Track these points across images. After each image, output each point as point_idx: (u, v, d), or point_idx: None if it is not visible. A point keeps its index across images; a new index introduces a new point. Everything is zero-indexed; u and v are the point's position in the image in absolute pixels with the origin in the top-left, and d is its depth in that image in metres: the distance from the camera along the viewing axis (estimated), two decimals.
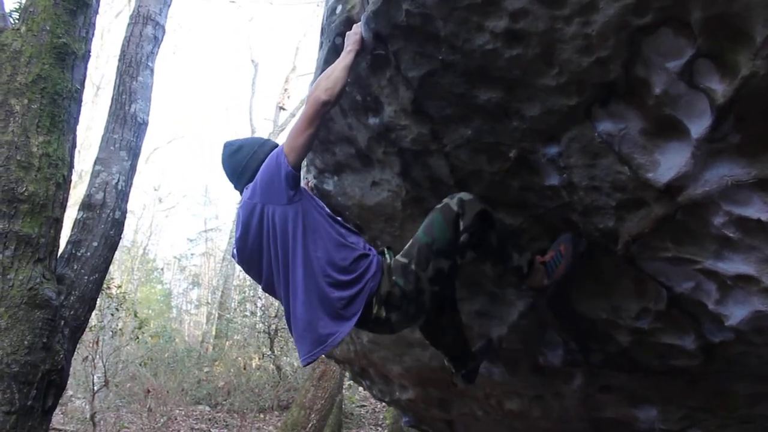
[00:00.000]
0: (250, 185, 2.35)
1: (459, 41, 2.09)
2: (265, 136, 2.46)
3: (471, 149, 2.39)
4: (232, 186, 2.53)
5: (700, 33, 1.63)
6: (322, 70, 2.64)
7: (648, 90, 1.84)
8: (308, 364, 2.29)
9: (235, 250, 2.45)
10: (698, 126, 1.79)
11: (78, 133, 4.06)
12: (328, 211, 2.40)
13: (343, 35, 2.49)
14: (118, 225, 4.43)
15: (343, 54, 2.33)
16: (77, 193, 13.91)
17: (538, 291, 2.48)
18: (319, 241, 2.24)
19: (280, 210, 2.23)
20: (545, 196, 2.37)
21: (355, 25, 2.40)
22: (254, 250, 2.34)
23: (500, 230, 2.34)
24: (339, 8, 2.59)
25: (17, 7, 4.89)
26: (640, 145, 1.98)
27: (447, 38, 2.11)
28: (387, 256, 2.45)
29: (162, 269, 26.12)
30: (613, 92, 1.93)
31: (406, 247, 2.32)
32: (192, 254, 24.62)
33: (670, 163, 1.94)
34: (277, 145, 2.40)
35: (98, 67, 19.11)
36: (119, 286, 10.72)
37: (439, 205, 2.30)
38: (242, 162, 2.45)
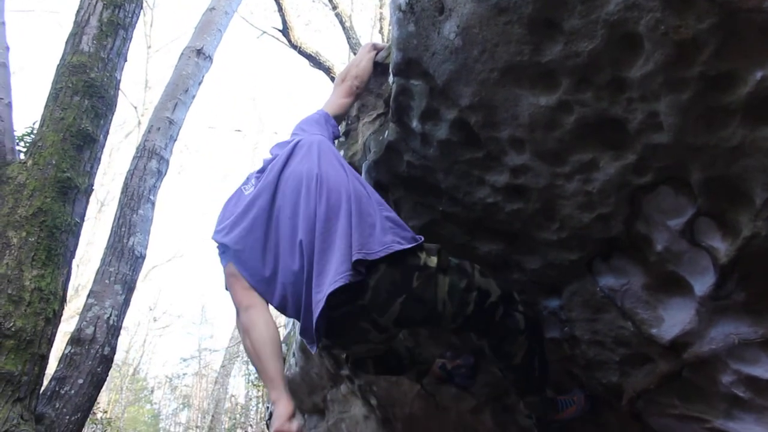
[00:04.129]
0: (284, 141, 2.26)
1: (460, 194, 2.10)
2: None
3: None
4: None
5: (701, 193, 1.63)
6: None
7: (650, 246, 1.83)
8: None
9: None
10: (702, 283, 1.76)
11: (79, 248, 4.02)
12: None
13: None
14: (107, 362, 4.30)
15: (367, 51, 2.58)
16: (71, 307, 13.75)
17: (540, 421, 2.35)
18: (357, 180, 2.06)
19: (320, 137, 2.17)
20: (548, 348, 2.29)
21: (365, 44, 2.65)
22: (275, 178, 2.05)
23: (546, 359, 2.18)
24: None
25: (29, 131, 5.04)
26: (643, 300, 1.95)
27: (448, 190, 2.12)
28: None
29: (152, 389, 25.30)
30: (615, 247, 1.93)
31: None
32: (184, 374, 23.90)
33: (674, 319, 1.90)
34: None
35: (104, 184, 19.53)
36: (105, 411, 10.30)
37: None
38: None
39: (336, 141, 2.36)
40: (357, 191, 1.96)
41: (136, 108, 15.57)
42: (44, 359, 3.51)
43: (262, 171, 2.11)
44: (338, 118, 2.39)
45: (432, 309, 1.88)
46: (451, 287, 1.89)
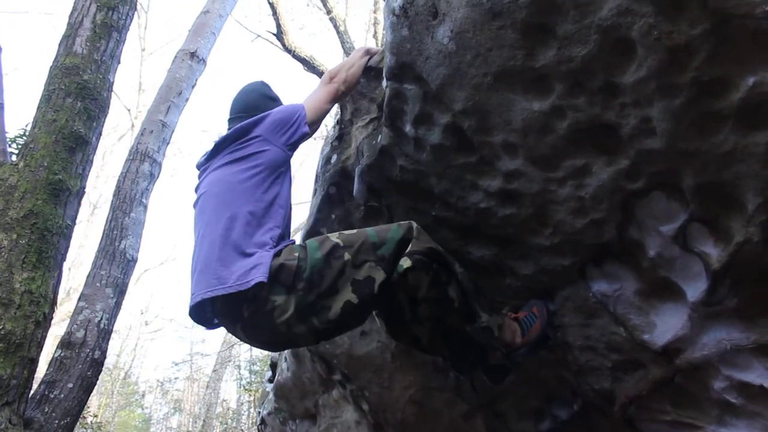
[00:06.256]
0: (251, 119, 2.29)
1: (453, 198, 2.09)
2: None
3: None
4: (228, 119, 2.53)
5: (693, 198, 1.63)
6: (315, 218, 2.64)
7: (642, 252, 1.83)
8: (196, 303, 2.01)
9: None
10: (694, 289, 1.75)
11: (71, 251, 4.01)
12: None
13: (337, 185, 2.51)
14: (97, 365, 4.28)
15: (360, 56, 2.55)
16: (63, 311, 13.67)
17: (509, 352, 2.16)
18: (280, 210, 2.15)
19: (275, 149, 2.21)
20: (539, 354, 2.29)
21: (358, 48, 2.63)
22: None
23: (465, 287, 2.04)
24: (334, 158, 2.63)
25: (21, 133, 5.01)
26: (636, 306, 1.95)
27: (441, 195, 2.12)
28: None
29: (143, 393, 25.19)
30: (608, 253, 1.92)
31: (346, 232, 2.04)
32: (176, 378, 23.78)
33: (666, 325, 1.89)
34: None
35: (97, 187, 19.47)
36: (95, 416, 10.24)
37: (403, 222, 2.07)
38: (251, 103, 2.52)
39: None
40: (241, 216, 2.02)
41: (129, 111, 15.54)
42: (34, 362, 3.48)
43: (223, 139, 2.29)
44: (314, 123, 2.38)
45: (274, 334, 1.94)
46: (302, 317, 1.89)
